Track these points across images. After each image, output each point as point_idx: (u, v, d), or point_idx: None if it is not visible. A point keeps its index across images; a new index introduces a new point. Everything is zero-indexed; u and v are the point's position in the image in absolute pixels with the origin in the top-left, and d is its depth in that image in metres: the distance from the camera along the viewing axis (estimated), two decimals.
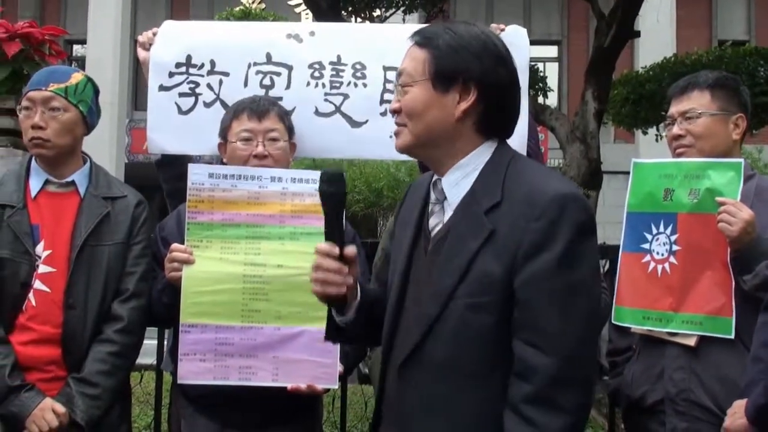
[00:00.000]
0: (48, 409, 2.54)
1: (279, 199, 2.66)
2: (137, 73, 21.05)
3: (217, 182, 2.63)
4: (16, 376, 2.55)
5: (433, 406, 1.81)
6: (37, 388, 2.57)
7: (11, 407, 2.52)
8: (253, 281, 2.61)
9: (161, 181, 3.26)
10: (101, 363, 2.64)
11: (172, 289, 2.65)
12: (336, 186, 1.88)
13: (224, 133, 2.81)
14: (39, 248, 2.63)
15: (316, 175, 2.69)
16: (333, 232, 1.89)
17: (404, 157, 3.10)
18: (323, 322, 2.57)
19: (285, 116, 2.85)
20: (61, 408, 2.56)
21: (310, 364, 2.61)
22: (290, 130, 2.85)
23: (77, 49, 20.15)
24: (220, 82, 2.99)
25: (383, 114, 2.99)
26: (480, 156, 1.87)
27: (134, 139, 20.01)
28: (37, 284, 2.61)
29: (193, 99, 2.99)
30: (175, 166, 3.18)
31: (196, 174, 2.63)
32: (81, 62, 18.15)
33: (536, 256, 1.72)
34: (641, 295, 2.71)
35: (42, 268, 2.62)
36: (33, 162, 2.75)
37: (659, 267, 2.68)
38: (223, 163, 3.33)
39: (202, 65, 3.00)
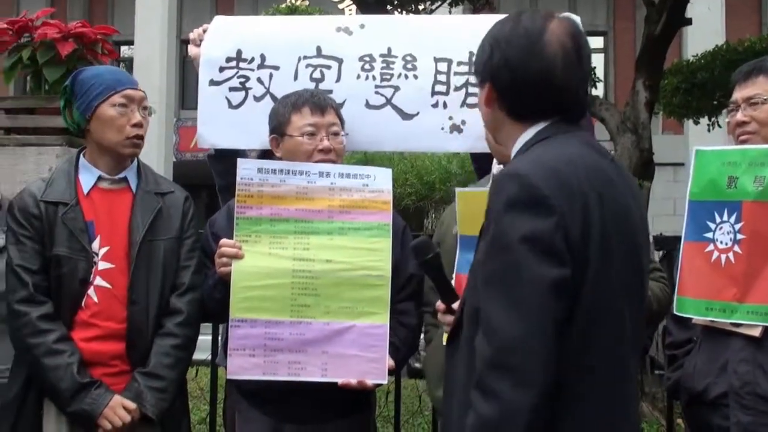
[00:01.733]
0: (119, 406, 2.57)
1: (327, 195, 2.66)
2: (184, 72, 21.29)
3: (266, 177, 2.64)
4: (85, 373, 2.58)
5: (453, 386, 1.88)
6: (105, 384, 2.60)
7: (83, 405, 2.55)
8: (302, 276, 2.61)
9: (214, 176, 3.28)
10: (166, 356, 2.66)
11: (224, 284, 2.65)
12: (429, 253, 2.14)
13: (281, 127, 2.79)
14: (95, 245, 2.65)
15: (363, 170, 2.71)
16: (446, 293, 2.20)
17: (456, 149, 3.11)
18: (372, 316, 2.61)
19: (339, 110, 2.84)
20: (131, 404, 2.59)
21: (359, 359, 2.60)
22: (343, 124, 2.84)
23: (124, 50, 20.43)
24: (270, 76, 2.99)
25: (434, 106, 2.97)
26: (520, 144, 1.90)
27: (182, 137, 20.23)
28: (98, 281, 2.63)
29: (243, 93, 2.99)
30: (227, 160, 3.19)
31: (245, 169, 2.64)
32: (129, 63, 18.40)
33: (482, 239, 1.79)
34: (704, 285, 2.64)
35: (101, 265, 2.64)
36: (82, 158, 2.77)
37: (723, 257, 2.60)
38: (270, 158, 3.34)
39: (252, 59, 3.00)
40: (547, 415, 1.65)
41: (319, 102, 2.77)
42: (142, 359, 2.66)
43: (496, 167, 2.66)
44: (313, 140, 2.74)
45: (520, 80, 1.85)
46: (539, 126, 1.87)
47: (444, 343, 2.56)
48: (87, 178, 2.73)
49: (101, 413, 2.55)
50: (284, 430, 2.71)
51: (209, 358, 3.65)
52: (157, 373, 2.64)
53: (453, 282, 2.53)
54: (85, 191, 2.71)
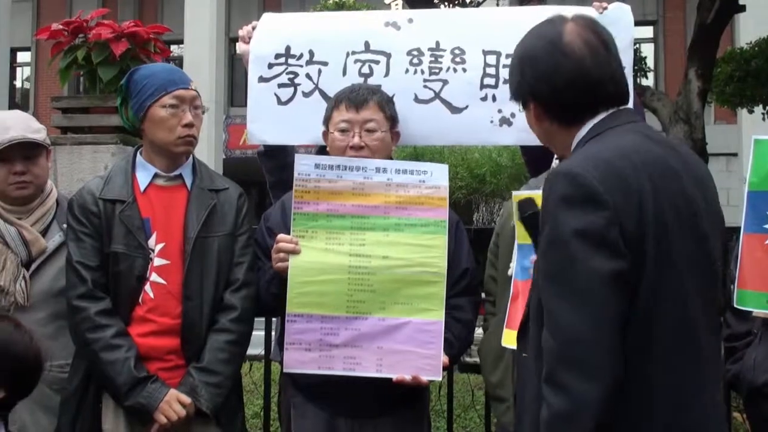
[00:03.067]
0: (174, 400, 2.61)
1: (383, 190, 2.66)
2: (232, 70, 21.49)
3: (323, 173, 2.65)
4: (141, 368, 2.62)
5: (525, 380, 1.93)
6: (161, 379, 2.64)
7: (140, 399, 2.59)
8: (358, 272, 2.62)
9: (264, 173, 3.30)
10: (220, 351, 2.69)
11: (280, 279, 2.68)
12: (529, 210, 2.16)
13: (326, 123, 2.82)
14: (151, 241, 2.69)
15: (420, 166, 2.71)
16: None
17: (506, 142, 3.09)
18: (427, 313, 2.60)
19: (387, 105, 2.81)
20: (186, 398, 2.62)
21: (414, 355, 2.61)
22: (392, 119, 2.82)
23: (173, 49, 20.68)
24: (319, 71, 3.00)
25: (483, 99, 2.95)
26: (575, 143, 1.93)
27: (231, 135, 20.43)
28: (154, 277, 2.67)
29: (292, 89, 3.01)
30: (277, 156, 3.22)
31: (302, 164, 2.65)
32: (179, 62, 18.62)
33: (541, 237, 1.80)
34: (765, 277, 2.59)
35: (157, 261, 2.68)
36: (138, 156, 2.81)
37: None
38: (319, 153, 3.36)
39: (301, 55, 3.01)
40: (614, 407, 1.67)
41: (356, 98, 2.76)
42: (197, 354, 2.69)
43: (556, 163, 2.64)
44: (346, 136, 2.74)
45: (558, 88, 1.88)
46: (590, 123, 1.89)
47: (503, 344, 2.58)
48: (143, 176, 2.77)
49: (157, 407, 2.59)
50: (339, 423, 2.73)
51: (262, 353, 3.68)
52: (211, 369, 2.67)
53: (511, 288, 2.53)
54: (142, 189, 2.75)
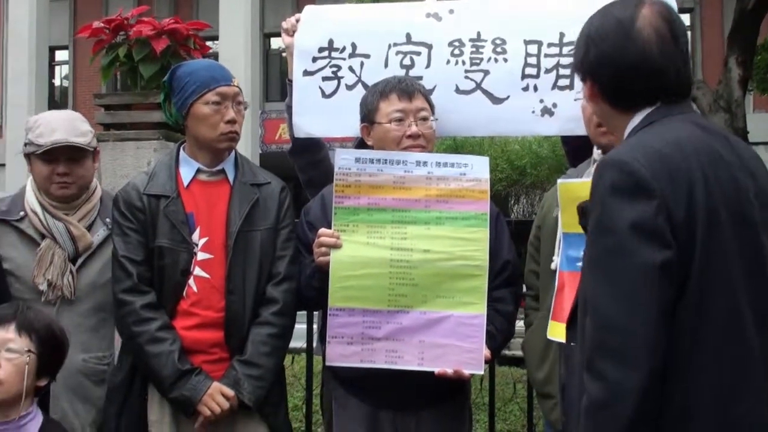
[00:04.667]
0: (218, 393, 2.63)
1: (424, 184, 2.66)
2: (267, 65, 21.61)
3: (364, 167, 2.65)
4: (185, 361, 2.64)
5: (573, 373, 1.91)
6: (205, 372, 2.66)
7: (183, 391, 2.62)
8: (399, 266, 2.62)
9: (297, 171, 3.32)
10: (262, 345, 2.71)
11: (321, 273, 2.68)
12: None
13: (370, 115, 2.80)
14: (195, 236, 2.71)
15: (461, 159, 2.70)
16: None
17: (547, 132, 3.07)
18: (469, 306, 2.59)
19: (428, 95, 2.84)
20: (229, 391, 2.64)
21: (456, 348, 2.60)
22: (433, 109, 2.83)
23: (209, 45, 20.87)
24: (362, 64, 3.01)
25: (525, 89, 2.93)
26: (628, 130, 1.91)
27: (267, 130, 20.55)
28: (197, 271, 2.70)
29: (335, 82, 3.02)
30: (307, 154, 3.23)
31: (343, 158, 2.66)
32: (214, 58, 18.73)
33: (588, 225, 1.80)
34: None
35: (200, 255, 2.70)
36: (182, 152, 2.83)
37: None
38: (358, 147, 3.36)
39: (344, 48, 3.02)
40: (657, 397, 1.65)
41: (406, 88, 2.77)
42: (240, 347, 2.71)
43: (597, 153, 2.62)
44: (401, 126, 2.74)
45: (620, 71, 1.87)
46: (645, 111, 1.88)
47: (548, 336, 2.57)
48: (187, 171, 2.79)
49: (201, 400, 2.62)
50: (381, 416, 2.73)
51: (304, 346, 3.70)
52: (254, 362, 2.69)
53: (556, 280, 2.52)
54: (185, 184, 2.77)
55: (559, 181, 2.54)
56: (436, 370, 2.60)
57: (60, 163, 2.84)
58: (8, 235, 2.85)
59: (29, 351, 2.32)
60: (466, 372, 2.62)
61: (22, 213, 2.89)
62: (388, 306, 2.62)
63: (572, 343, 1.96)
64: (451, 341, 2.61)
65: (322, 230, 2.66)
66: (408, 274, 2.62)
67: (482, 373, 2.67)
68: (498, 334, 2.72)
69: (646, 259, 1.66)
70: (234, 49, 17.12)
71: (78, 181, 2.89)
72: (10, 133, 22.69)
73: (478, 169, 2.70)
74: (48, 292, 2.80)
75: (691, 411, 1.70)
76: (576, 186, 2.44)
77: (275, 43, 21.81)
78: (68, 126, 2.85)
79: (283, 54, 22.48)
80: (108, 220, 2.91)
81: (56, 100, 24.21)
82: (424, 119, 2.76)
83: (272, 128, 20.58)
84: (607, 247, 1.71)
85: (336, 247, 2.63)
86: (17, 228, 2.88)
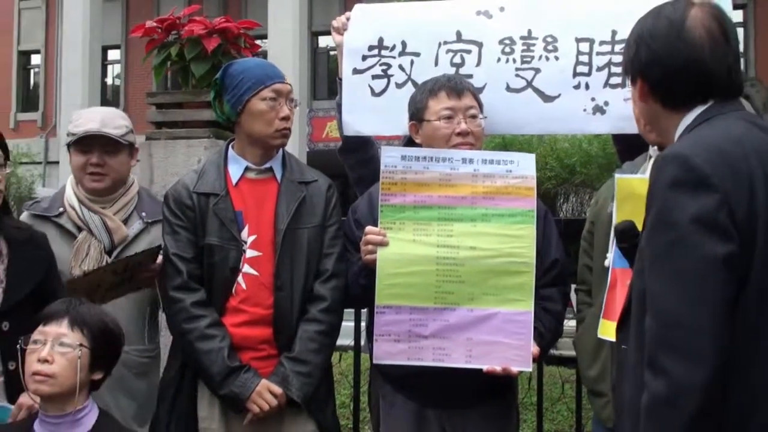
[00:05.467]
0: (266, 390, 2.65)
1: (470, 181, 2.65)
2: (315, 63, 21.71)
3: (410, 164, 2.65)
4: (235, 358, 2.66)
5: (625, 369, 1.89)
6: (254, 369, 2.68)
7: (233, 388, 2.64)
8: (446, 263, 2.61)
9: (347, 169, 3.32)
10: (310, 341, 2.72)
11: (368, 271, 2.68)
12: (632, 240, 2.13)
13: (419, 113, 2.79)
14: (244, 233, 2.73)
15: (507, 156, 2.69)
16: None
17: (599, 131, 3.04)
18: (516, 303, 2.59)
19: (477, 93, 2.83)
20: (277, 389, 2.66)
21: (503, 346, 2.59)
22: (481, 107, 2.82)
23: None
24: (412, 62, 3.01)
25: (576, 87, 2.91)
26: (681, 129, 1.90)
27: (314, 128, 20.65)
28: (246, 268, 2.71)
29: (385, 81, 3.02)
30: (357, 152, 3.23)
31: (389, 157, 2.66)
32: (263, 56, 18.89)
33: (646, 220, 1.78)
34: None
35: (249, 253, 2.72)
36: (230, 150, 2.85)
37: None
38: (406, 145, 3.35)
39: (394, 47, 3.02)
40: (720, 394, 1.64)
41: (455, 86, 2.76)
42: (289, 344, 2.72)
43: (653, 148, 2.58)
44: (450, 124, 2.72)
45: (670, 71, 1.87)
46: (698, 110, 1.87)
47: (599, 335, 2.54)
48: (235, 169, 2.81)
49: (249, 397, 2.64)
50: (428, 414, 2.73)
51: (351, 343, 3.71)
52: (302, 358, 2.70)
53: (608, 278, 2.49)
54: (234, 182, 2.79)
55: (616, 175, 2.51)
56: (485, 367, 2.59)
57: (94, 153, 2.91)
58: (48, 231, 2.91)
59: (81, 345, 2.36)
60: (514, 369, 2.60)
61: (61, 209, 2.97)
62: (434, 303, 2.61)
63: (623, 346, 1.94)
64: (499, 338, 2.59)
65: (369, 228, 2.66)
66: (455, 271, 2.61)
67: (530, 370, 2.65)
68: (546, 333, 2.70)
69: (709, 253, 1.64)
70: (282, 47, 17.25)
71: (111, 173, 2.94)
72: (63, 131, 23.17)
73: (524, 165, 2.68)
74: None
75: (753, 408, 1.67)
76: (634, 182, 2.41)
77: (323, 41, 21.92)
78: (104, 119, 2.94)
79: (331, 52, 22.59)
80: (144, 213, 2.99)
81: (108, 98, 24.62)
82: (473, 117, 2.75)
83: (320, 126, 20.68)
84: (669, 242, 1.69)
85: (382, 244, 2.63)
86: (56, 223, 2.95)
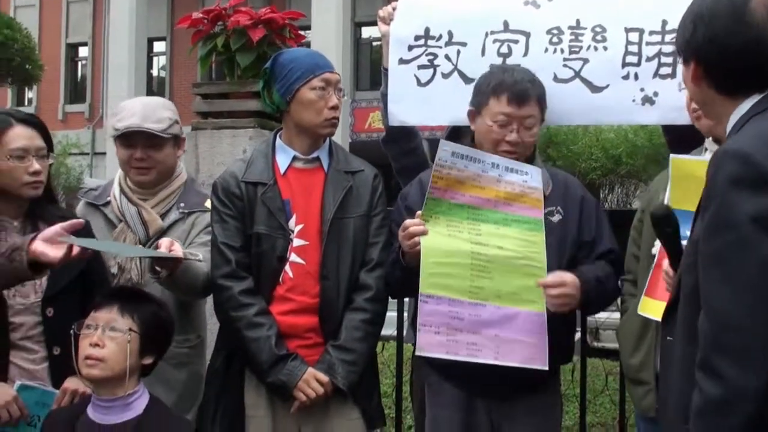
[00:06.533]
0: (312, 379, 2.67)
1: (495, 185, 2.68)
2: (358, 54, 21.73)
3: (455, 161, 2.66)
4: (282, 346, 2.69)
5: (670, 364, 1.87)
6: (301, 357, 2.70)
7: (280, 376, 2.67)
8: (479, 258, 2.64)
9: (390, 159, 3.32)
10: (356, 330, 2.74)
11: (402, 263, 2.70)
12: (669, 226, 2.06)
13: (479, 106, 2.75)
14: (291, 222, 2.75)
15: (523, 167, 2.71)
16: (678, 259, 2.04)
17: (648, 121, 3.01)
18: (533, 305, 2.62)
19: (543, 98, 2.75)
20: (324, 377, 2.68)
21: (525, 344, 2.62)
22: (544, 113, 2.78)
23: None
24: (458, 52, 2.99)
25: (625, 78, 2.88)
26: (735, 118, 1.84)
27: (357, 118, 20.69)
28: (293, 257, 2.73)
29: (431, 71, 3.01)
30: (401, 142, 3.23)
31: (443, 150, 2.66)
32: (307, 47, 18.99)
33: (701, 217, 1.73)
34: None
35: (296, 242, 2.74)
36: (278, 139, 2.87)
37: None
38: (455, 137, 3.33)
39: (440, 36, 3.01)
40: None
41: (519, 92, 2.68)
42: (335, 332, 2.74)
43: (709, 141, 2.55)
44: (504, 130, 2.69)
45: (728, 54, 1.79)
46: (753, 99, 1.80)
47: (639, 311, 2.53)
48: (283, 159, 2.83)
49: (296, 385, 2.66)
50: (475, 403, 2.73)
51: (394, 333, 3.71)
52: (348, 347, 2.72)
53: (656, 257, 2.48)
54: (282, 171, 2.81)
55: (672, 156, 2.47)
56: (510, 364, 2.61)
57: (137, 148, 2.92)
58: (97, 219, 2.97)
59: (131, 330, 2.40)
60: (533, 367, 2.62)
61: (108, 198, 3.01)
62: (469, 298, 2.63)
63: (669, 338, 1.91)
64: (521, 337, 2.62)
65: (408, 221, 2.65)
66: (486, 267, 2.64)
67: (546, 368, 2.63)
68: (605, 279, 2.67)
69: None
70: (325, 38, 17.31)
71: (156, 166, 2.96)
72: (110, 123, 23.51)
73: (535, 178, 2.72)
74: (118, 275, 2.89)
75: None
76: (690, 163, 2.38)
77: (366, 32, 21.94)
78: (146, 112, 2.93)
79: (374, 43, 22.58)
80: (182, 204, 2.99)
81: (154, 90, 24.92)
82: (529, 128, 2.72)
83: (362, 117, 20.71)
84: (727, 242, 1.64)
85: (424, 233, 2.63)
86: (103, 213, 3.00)
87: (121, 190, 3.00)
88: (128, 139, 2.92)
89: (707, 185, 1.73)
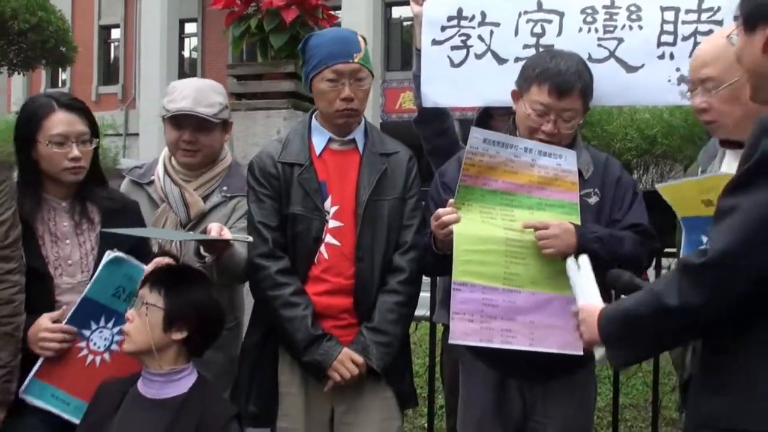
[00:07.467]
0: (347, 359, 2.69)
1: (528, 170, 2.66)
2: (388, 35, 21.65)
3: (487, 148, 2.64)
4: (317, 326, 2.71)
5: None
6: (336, 337, 2.73)
7: (315, 356, 2.69)
8: (513, 245, 2.63)
9: (422, 140, 3.32)
10: (389, 312, 2.75)
11: (433, 250, 2.70)
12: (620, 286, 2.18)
13: (522, 89, 2.71)
14: (327, 204, 2.76)
15: (557, 150, 2.68)
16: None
17: (684, 102, 2.97)
18: (568, 290, 2.53)
19: (587, 90, 2.69)
20: (359, 358, 2.71)
21: (560, 330, 2.60)
22: (587, 104, 2.73)
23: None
24: (491, 33, 2.97)
25: (660, 57, 2.85)
26: None
27: (387, 99, 20.66)
28: (328, 238, 2.75)
29: (464, 51, 3.00)
30: (433, 123, 3.22)
31: (474, 138, 2.65)
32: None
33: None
34: None
35: (331, 223, 2.75)
36: (314, 120, 2.88)
37: None
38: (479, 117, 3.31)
39: (473, 17, 2.99)
40: None
41: (562, 83, 2.62)
42: (368, 313, 2.76)
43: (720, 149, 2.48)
44: (541, 119, 2.66)
45: None
46: None
47: None
48: (319, 140, 2.84)
49: (331, 365, 2.69)
50: (509, 384, 2.75)
51: (427, 314, 3.73)
52: (382, 329, 2.74)
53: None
54: (318, 152, 2.82)
55: (658, 186, 2.43)
56: (545, 350, 2.61)
57: (186, 130, 2.92)
58: (141, 197, 3.00)
59: (147, 303, 2.41)
60: (568, 352, 2.61)
61: (152, 177, 3.04)
62: (503, 284, 2.62)
63: None
64: (556, 322, 2.61)
65: (440, 210, 2.64)
66: (520, 253, 2.63)
67: (581, 353, 2.62)
68: (605, 235, 2.63)
69: None
70: (356, 18, 17.26)
71: (203, 150, 2.97)
72: (142, 104, 23.67)
73: (569, 161, 2.68)
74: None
75: None
76: (678, 187, 2.34)
77: (396, 12, 21.85)
78: (198, 95, 2.93)
79: (405, 23, 22.44)
80: (225, 188, 2.99)
81: (186, 71, 25.05)
82: (567, 120, 2.67)
83: (393, 97, 20.68)
84: (734, 205, 1.68)
85: (457, 221, 2.62)
86: (146, 191, 3.02)
87: (165, 171, 3.01)
88: (178, 121, 2.93)
89: (747, 148, 1.69)
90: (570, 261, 2.43)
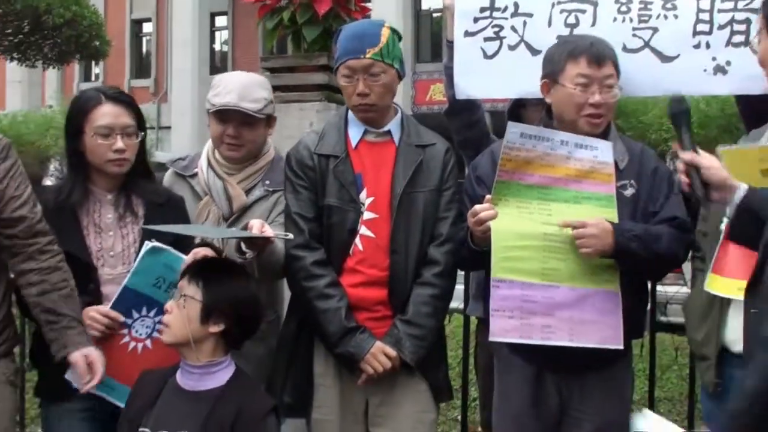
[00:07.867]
0: (380, 352, 2.70)
1: (564, 163, 2.64)
2: (418, 26, 21.60)
3: (524, 142, 2.62)
4: (351, 318, 2.72)
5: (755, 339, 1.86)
6: (369, 330, 2.74)
7: (349, 348, 2.71)
8: (552, 240, 2.60)
9: (452, 132, 3.31)
10: (424, 305, 2.75)
11: (469, 245, 2.69)
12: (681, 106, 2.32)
13: (555, 74, 2.69)
14: (362, 195, 2.77)
15: (593, 142, 2.66)
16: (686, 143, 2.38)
17: (721, 92, 2.94)
18: (608, 284, 2.58)
19: (617, 60, 2.70)
20: (392, 351, 2.71)
21: (600, 324, 2.59)
22: (619, 75, 2.72)
23: None
24: (524, 23, 2.95)
25: (696, 47, 2.81)
26: None
27: (418, 91, 20.62)
28: (363, 230, 2.76)
29: (497, 43, 2.98)
30: (464, 114, 3.21)
31: (511, 132, 2.63)
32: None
33: None
34: None
35: (366, 215, 2.76)
36: (350, 113, 2.88)
37: None
38: (515, 115, 3.30)
39: (506, 8, 2.97)
40: None
41: (597, 53, 2.64)
42: (403, 305, 2.77)
43: None
44: (585, 92, 2.63)
45: None
46: None
47: (706, 288, 2.49)
48: (355, 132, 2.84)
49: (364, 357, 2.70)
50: (545, 377, 2.73)
51: (461, 306, 3.72)
52: (416, 322, 2.74)
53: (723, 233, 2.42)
54: (354, 144, 2.83)
55: (720, 148, 2.41)
56: (585, 345, 2.59)
57: (230, 124, 2.92)
58: (184, 189, 3.02)
59: (185, 296, 2.44)
60: (609, 347, 2.59)
61: (195, 170, 3.05)
62: (542, 280, 2.60)
63: (753, 310, 1.88)
64: (596, 317, 2.59)
65: (477, 206, 2.62)
66: (559, 249, 2.60)
67: (621, 347, 2.61)
68: (640, 230, 2.60)
69: None
70: (385, 9, 17.25)
71: (247, 144, 2.97)
72: (174, 97, 23.89)
73: (605, 152, 2.66)
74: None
75: None
76: (741, 153, 2.33)
77: (426, 3, 21.79)
78: (243, 90, 2.91)
79: (434, 14, 22.38)
80: (267, 182, 3.00)
81: (217, 65, 25.19)
82: (610, 87, 2.66)
83: (423, 89, 20.63)
84: None
85: (494, 217, 2.60)
86: (189, 183, 3.04)
87: (209, 164, 3.02)
88: (223, 115, 2.92)
89: None
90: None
